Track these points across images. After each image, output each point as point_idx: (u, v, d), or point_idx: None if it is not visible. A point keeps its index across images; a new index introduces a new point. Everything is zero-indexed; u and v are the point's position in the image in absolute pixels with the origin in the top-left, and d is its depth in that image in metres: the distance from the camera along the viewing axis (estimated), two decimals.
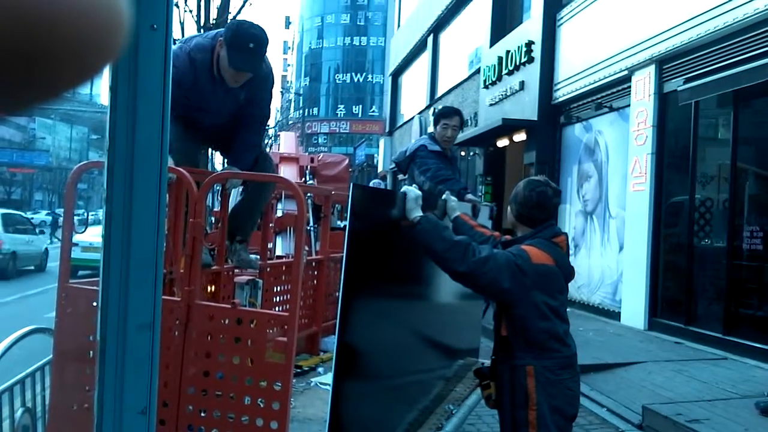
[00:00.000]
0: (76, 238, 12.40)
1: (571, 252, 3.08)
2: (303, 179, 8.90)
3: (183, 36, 16.45)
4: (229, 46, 3.54)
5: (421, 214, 2.71)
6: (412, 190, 2.81)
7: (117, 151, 1.09)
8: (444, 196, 3.31)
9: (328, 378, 3.72)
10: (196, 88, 3.63)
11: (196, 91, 3.64)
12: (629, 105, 9.92)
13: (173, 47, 3.82)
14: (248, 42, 3.52)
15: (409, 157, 4.83)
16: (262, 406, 2.70)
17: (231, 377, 2.76)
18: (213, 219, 5.83)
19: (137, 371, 1.12)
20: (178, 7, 15.43)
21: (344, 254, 2.37)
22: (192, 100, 3.65)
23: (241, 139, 3.89)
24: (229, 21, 16.00)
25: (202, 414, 2.77)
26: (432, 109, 19.93)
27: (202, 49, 3.65)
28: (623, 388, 6.33)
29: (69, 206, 3.22)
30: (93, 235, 13.86)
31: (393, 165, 4.47)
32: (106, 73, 1.16)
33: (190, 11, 16.26)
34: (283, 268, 4.36)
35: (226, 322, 2.80)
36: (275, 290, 4.16)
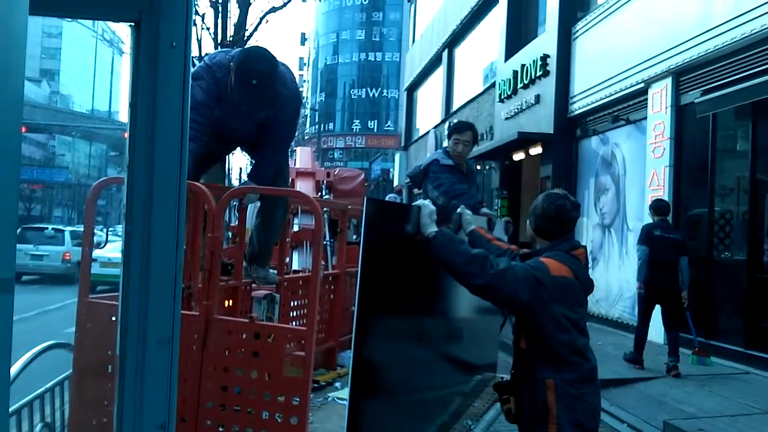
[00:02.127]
0: (96, 253, 12.54)
1: (589, 265, 3.06)
2: (319, 194, 8.92)
3: (200, 53, 16.67)
4: (235, 77, 3.54)
5: (435, 228, 2.70)
6: (427, 205, 2.79)
7: (137, 168, 1.11)
8: (458, 210, 3.29)
9: (346, 393, 3.70)
10: (220, 104, 3.67)
11: (221, 108, 3.68)
12: (646, 117, 9.87)
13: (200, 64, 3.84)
14: (251, 78, 3.49)
15: (423, 172, 4.84)
16: (279, 420, 2.70)
17: (249, 392, 2.76)
18: (230, 234, 5.86)
19: (156, 386, 1.12)
20: (195, 25, 15.63)
21: (359, 269, 2.37)
22: (219, 115, 3.70)
23: (262, 156, 3.93)
24: (245, 39, 16.16)
25: (221, 429, 2.77)
26: (447, 123, 19.96)
27: (221, 67, 3.68)
28: (644, 403, 6.24)
29: (89, 221, 3.25)
30: (111, 250, 13.98)
31: (408, 179, 4.47)
32: (125, 90, 1.17)
33: (208, 29, 16.46)
34: (300, 282, 4.36)
35: (244, 336, 2.81)
36: (292, 305, 4.17)
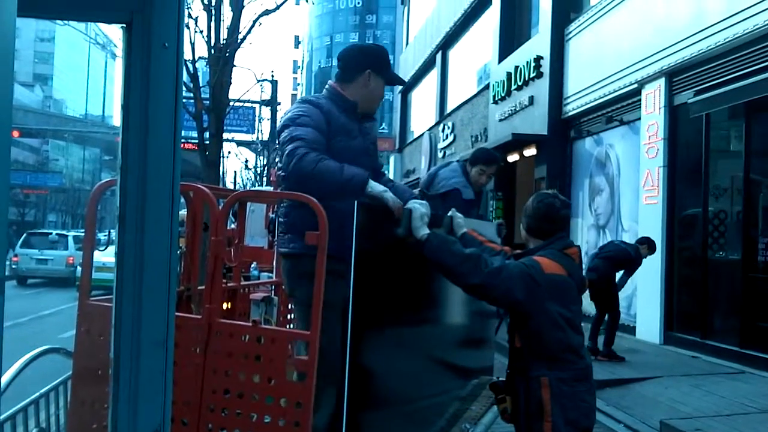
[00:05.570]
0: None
1: (584, 265, 3.06)
2: None
3: (193, 56, 16.57)
4: (379, 70, 3.25)
5: (428, 231, 2.69)
6: (418, 208, 2.77)
7: (130, 170, 1.10)
8: (450, 213, 3.27)
9: None
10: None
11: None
12: (640, 118, 9.90)
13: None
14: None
15: (441, 196, 4.64)
16: (282, 425, 2.68)
17: (251, 396, 2.74)
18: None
19: (151, 389, 1.11)
20: (188, 28, 15.58)
21: (351, 274, 2.36)
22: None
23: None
24: (239, 42, 16.09)
25: None
26: (440, 125, 19.94)
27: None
28: (640, 403, 6.25)
29: (90, 224, 3.21)
30: (105, 255, 13.99)
31: (419, 191, 4.28)
32: (118, 94, 1.16)
33: (201, 32, 16.42)
34: None
35: (247, 339, 2.79)
36: (290, 307, 4.15)
